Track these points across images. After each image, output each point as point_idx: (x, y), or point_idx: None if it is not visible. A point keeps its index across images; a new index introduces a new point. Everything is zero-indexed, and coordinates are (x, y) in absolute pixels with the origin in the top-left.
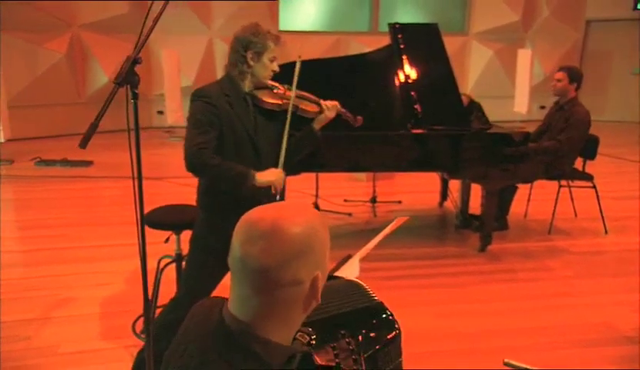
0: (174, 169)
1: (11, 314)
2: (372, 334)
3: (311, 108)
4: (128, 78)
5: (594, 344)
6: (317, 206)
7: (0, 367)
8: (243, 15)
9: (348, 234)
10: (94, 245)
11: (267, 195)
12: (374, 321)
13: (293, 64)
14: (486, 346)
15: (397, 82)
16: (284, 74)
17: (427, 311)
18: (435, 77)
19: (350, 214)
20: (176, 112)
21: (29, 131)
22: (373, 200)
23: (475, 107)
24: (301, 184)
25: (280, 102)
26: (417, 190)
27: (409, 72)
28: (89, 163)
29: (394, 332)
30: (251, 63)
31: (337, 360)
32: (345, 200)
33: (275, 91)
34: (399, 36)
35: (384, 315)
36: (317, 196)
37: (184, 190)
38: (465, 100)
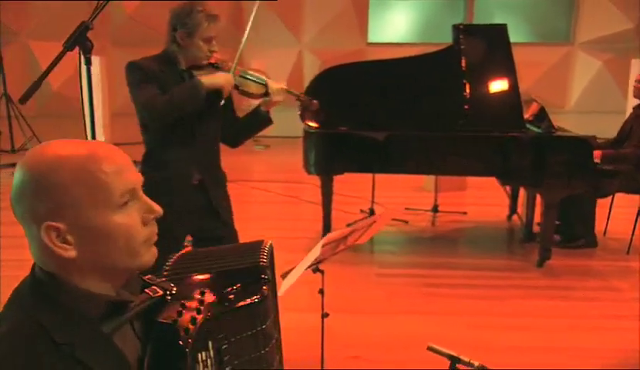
0: (253, 174)
1: None
2: (229, 297)
3: (255, 89)
4: (78, 40)
5: None
6: (372, 212)
7: None
8: (333, 27)
9: (399, 241)
10: None
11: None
12: (238, 285)
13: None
14: (511, 362)
15: (453, 84)
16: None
17: (460, 321)
18: (494, 79)
19: (406, 222)
20: None
21: (128, 137)
22: (434, 210)
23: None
24: (357, 189)
25: None
26: (486, 203)
27: (466, 73)
28: None
29: (248, 300)
30: (182, 43)
31: (177, 318)
32: (406, 208)
33: (218, 69)
34: (461, 37)
35: (253, 280)
36: (373, 201)
37: (261, 194)
38: (536, 107)
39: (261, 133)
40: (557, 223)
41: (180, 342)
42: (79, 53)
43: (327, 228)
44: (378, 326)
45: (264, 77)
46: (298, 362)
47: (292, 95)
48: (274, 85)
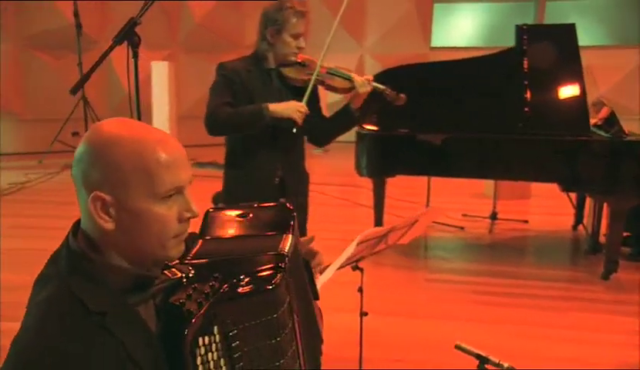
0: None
1: None
2: (240, 284)
3: (341, 84)
4: (126, 36)
5: None
6: None
7: None
8: (396, 32)
9: (452, 247)
10: None
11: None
12: (253, 272)
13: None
14: None
15: (513, 86)
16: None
17: (509, 330)
18: (559, 80)
19: (462, 228)
20: None
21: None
22: (493, 217)
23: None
24: (413, 194)
25: (305, 77)
26: (550, 212)
27: (528, 75)
28: None
29: (259, 288)
30: (271, 40)
31: (184, 300)
32: (464, 215)
33: (305, 67)
34: (524, 38)
35: (268, 268)
36: (428, 206)
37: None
38: (606, 111)
39: None
40: (627, 234)
41: (182, 324)
42: (128, 47)
43: None
44: (423, 330)
45: (348, 72)
46: (338, 361)
47: (378, 90)
48: (358, 78)
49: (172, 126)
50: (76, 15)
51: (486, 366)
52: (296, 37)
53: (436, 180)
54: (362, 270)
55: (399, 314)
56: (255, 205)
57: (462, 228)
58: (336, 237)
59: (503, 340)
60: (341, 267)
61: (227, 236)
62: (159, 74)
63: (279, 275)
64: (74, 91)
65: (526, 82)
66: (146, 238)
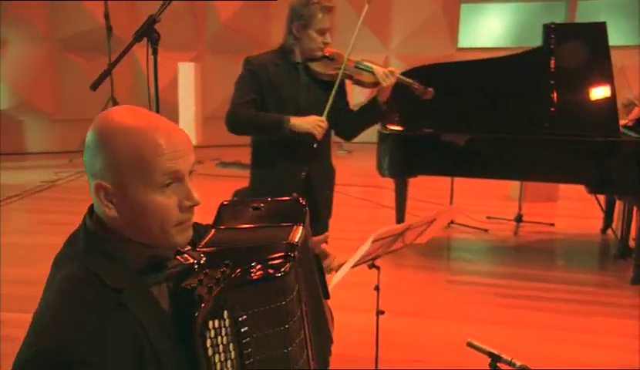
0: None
1: None
2: (251, 271)
3: (369, 78)
4: (147, 33)
5: None
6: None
7: None
8: (422, 33)
9: (475, 249)
10: None
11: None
12: (263, 260)
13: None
14: None
15: (539, 86)
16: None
17: (531, 333)
18: (587, 80)
19: (486, 230)
20: None
21: (218, 139)
22: (518, 219)
23: None
24: (435, 195)
25: (333, 72)
26: (578, 215)
27: (554, 74)
28: None
29: (268, 275)
30: (297, 35)
31: (196, 285)
32: (488, 217)
33: (332, 61)
34: (552, 37)
35: (278, 256)
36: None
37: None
38: (637, 111)
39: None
40: None
41: (192, 307)
42: (147, 44)
43: None
44: (443, 331)
45: (372, 65)
46: (356, 361)
47: (405, 83)
48: (380, 70)
49: (197, 127)
50: (107, 17)
51: (498, 365)
52: (322, 32)
53: (459, 182)
54: (378, 268)
55: (418, 314)
56: (269, 199)
57: (486, 230)
58: (357, 238)
59: (523, 342)
60: (356, 265)
61: (239, 226)
62: (185, 75)
63: (288, 264)
64: (94, 87)
65: (552, 82)
66: (147, 226)
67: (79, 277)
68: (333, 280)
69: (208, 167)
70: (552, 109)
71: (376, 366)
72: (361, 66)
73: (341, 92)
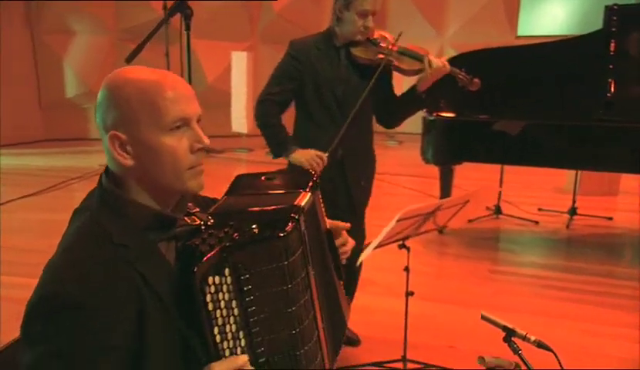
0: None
1: None
2: (253, 230)
3: (410, 65)
4: (179, 8)
5: None
6: (499, 210)
7: None
8: (479, 20)
9: (523, 241)
10: None
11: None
12: (266, 221)
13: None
14: None
15: (597, 70)
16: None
17: (571, 326)
18: None
19: (537, 222)
20: None
21: None
22: (572, 212)
23: None
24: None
25: (372, 57)
26: (639, 210)
27: (614, 58)
28: None
29: (270, 234)
30: (339, 16)
31: (198, 243)
32: (539, 209)
33: (375, 46)
34: (614, 19)
35: (282, 218)
36: (499, 198)
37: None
38: None
39: (394, 130)
40: None
41: (193, 263)
42: (180, 19)
43: None
44: (479, 319)
45: (423, 53)
46: (385, 342)
47: (452, 73)
48: (436, 60)
49: (248, 115)
50: (165, 8)
51: (513, 339)
52: (364, 15)
53: (509, 174)
54: (408, 248)
55: (456, 302)
56: (283, 170)
57: (536, 222)
58: None
59: (562, 334)
60: (384, 244)
61: (249, 193)
62: (238, 64)
63: (291, 224)
64: (129, 60)
65: (611, 67)
66: (161, 171)
67: (88, 230)
68: (360, 257)
69: (259, 155)
70: (609, 95)
71: (405, 348)
72: (405, 52)
73: (385, 79)
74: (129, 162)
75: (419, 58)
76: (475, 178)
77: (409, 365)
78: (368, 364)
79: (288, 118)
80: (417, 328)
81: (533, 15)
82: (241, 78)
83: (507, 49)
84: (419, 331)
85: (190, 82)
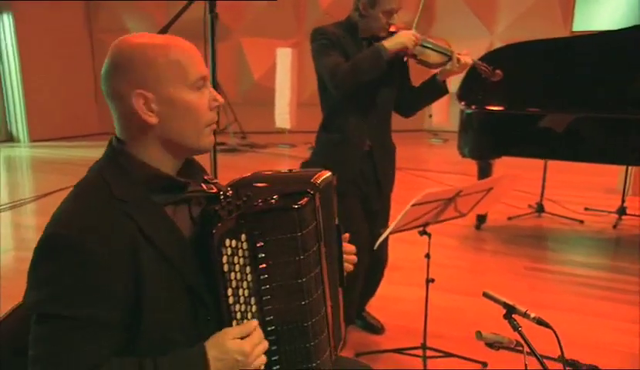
0: (429, 165)
1: None
2: (270, 201)
3: (434, 59)
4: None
5: None
6: (541, 208)
7: None
8: (531, 16)
9: (564, 239)
10: None
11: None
12: (283, 193)
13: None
14: None
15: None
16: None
17: (605, 324)
18: None
19: (581, 222)
20: (439, 115)
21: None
22: (621, 212)
23: None
24: (527, 184)
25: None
26: None
27: None
28: None
29: (285, 205)
30: (363, 12)
31: (217, 209)
32: (586, 209)
33: None
34: None
35: (298, 192)
36: (542, 195)
37: (433, 184)
38: None
39: (439, 128)
40: None
41: (211, 225)
42: (205, 6)
43: (481, 217)
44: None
45: (448, 47)
46: (409, 332)
47: (474, 65)
48: (462, 58)
49: (292, 111)
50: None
51: (513, 316)
52: (389, 14)
53: (553, 172)
54: (429, 235)
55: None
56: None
57: (581, 221)
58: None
59: (596, 333)
60: (402, 229)
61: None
62: (283, 60)
63: (306, 198)
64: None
65: None
66: (184, 127)
67: (92, 182)
68: (377, 242)
69: (301, 150)
70: None
71: (424, 336)
72: (428, 45)
73: (404, 71)
74: (154, 120)
75: (443, 51)
76: (519, 176)
77: (429, 353)
78: (388, 351)
79: (308, 120)
80: (443, 319)
81: (590, 9)
82: (286, 74)
83: (555, 41)
84: (445, 322)
85: (214, 83)
